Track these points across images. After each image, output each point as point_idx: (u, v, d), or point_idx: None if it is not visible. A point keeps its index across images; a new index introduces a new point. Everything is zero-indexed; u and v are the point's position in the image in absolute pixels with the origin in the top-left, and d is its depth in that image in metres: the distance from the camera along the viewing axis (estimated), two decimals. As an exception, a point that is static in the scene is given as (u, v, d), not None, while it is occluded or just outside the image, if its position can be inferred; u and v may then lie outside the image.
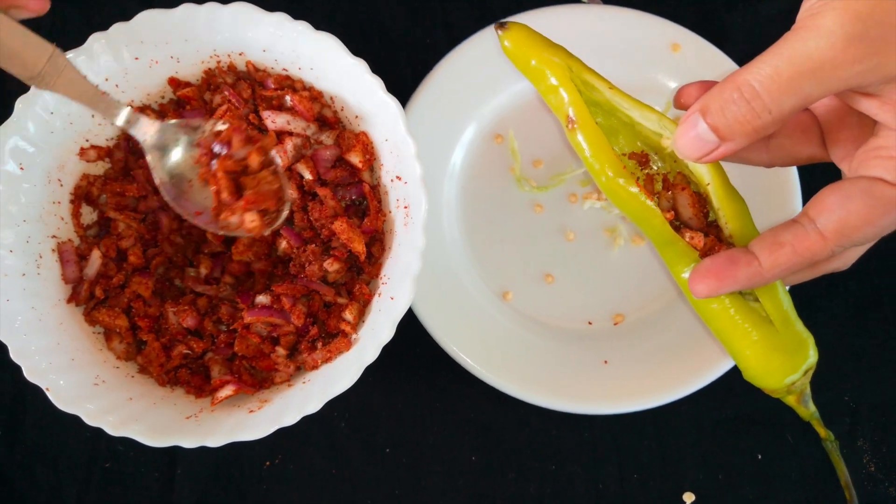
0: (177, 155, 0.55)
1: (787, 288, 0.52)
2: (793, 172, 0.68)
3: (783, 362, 0.49)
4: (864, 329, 0.68)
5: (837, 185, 0.43)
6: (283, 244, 0.59)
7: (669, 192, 0.50)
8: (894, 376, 0.67)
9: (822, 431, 0.54)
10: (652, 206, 0.48)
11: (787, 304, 0.49)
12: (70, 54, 0.57)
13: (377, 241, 0.60)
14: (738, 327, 0.48)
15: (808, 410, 0.52)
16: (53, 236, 0.59)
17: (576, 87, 0.49)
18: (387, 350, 0.53)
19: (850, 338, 0.68)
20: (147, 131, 0.54)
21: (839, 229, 0.42)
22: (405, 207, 0.57)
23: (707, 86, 0.48)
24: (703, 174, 0.49)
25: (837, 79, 0.38)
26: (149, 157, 0.55)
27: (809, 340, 0.49)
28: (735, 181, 0.50)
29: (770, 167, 0.52)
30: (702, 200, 0.50)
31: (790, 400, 0.52)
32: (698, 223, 0.49)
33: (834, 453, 0.55)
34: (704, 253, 0.48)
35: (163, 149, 0.55)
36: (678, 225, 0.50)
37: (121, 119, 0.53)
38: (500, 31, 0.51)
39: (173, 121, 0.55)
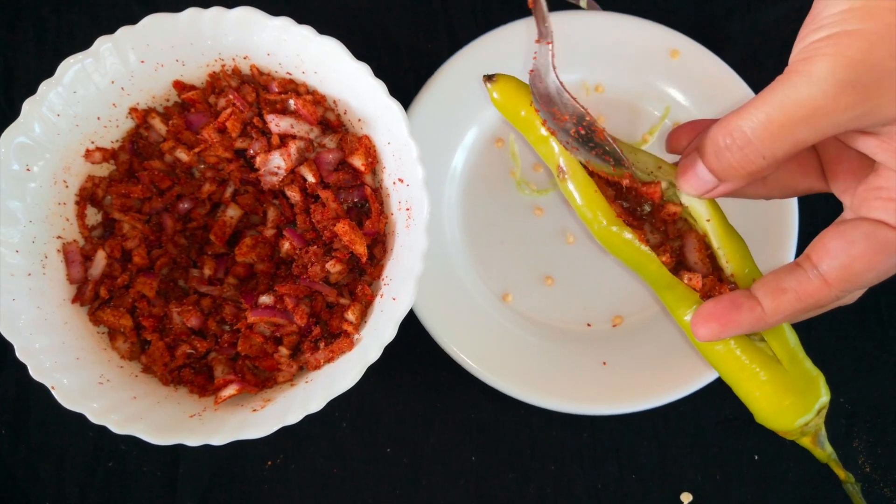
0: None
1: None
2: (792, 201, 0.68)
3: (794, 402, 0.48)
4: (861, 331, 0.69)
5: (839, 230, 0.43)
6: (286, 245, 0.60)
7: (669, 236, 0.50)
8: (891, 378, 0.68)
9: (841, 474, 0.52)
10: (647, 252, 0.48)
11: (793, 341, 0.48)
12: (77, 56, 0.57)
13: (379, 243, 0.61)
14: (746, 368, 0.48)
15: (824, 452, 0.51)
16: (59, 237, 0.60)
17: None
18: (388, 351, 0.53)
19: (847, 340, 0.69)
20: None
21: (843, 276, 0.42)
22: (407, 210, 0.58)
23: (697, 127, 0.48)
24: (702, 212, 0.49)
25: (830, 125, 0.38)
26: None
27: (820, 378, 0.49)
28: (733, 206, 0.51)
29: (769, 199, 0.51)
30: (706, 243, 0.50)
31: (805, 442, 0.51)
32: (704, 267, 0.49)
33: (856, 496, 0.53)
34: (705, 294, 0.48)
35: None
36: (675, 268, 0.49)
37: None
38: (488, 84, 0.52)
39: None
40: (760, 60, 0.75)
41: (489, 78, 0.52)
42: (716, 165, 0.41)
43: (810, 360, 0.49)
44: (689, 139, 0.48)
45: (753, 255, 0.50)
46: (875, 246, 0.41)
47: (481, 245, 0.70)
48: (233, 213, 0.62)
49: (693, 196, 0.45)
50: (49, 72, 0.57)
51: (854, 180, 0.45)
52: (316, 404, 0.52)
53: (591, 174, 0.49)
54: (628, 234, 0.48)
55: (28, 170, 0.57)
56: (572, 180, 0.49)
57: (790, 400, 0.48)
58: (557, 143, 0.49)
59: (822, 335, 0.69)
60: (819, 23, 0.38)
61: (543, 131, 0.50)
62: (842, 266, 0.42)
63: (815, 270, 0.43)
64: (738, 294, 0.45)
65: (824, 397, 0.49)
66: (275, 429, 0.52)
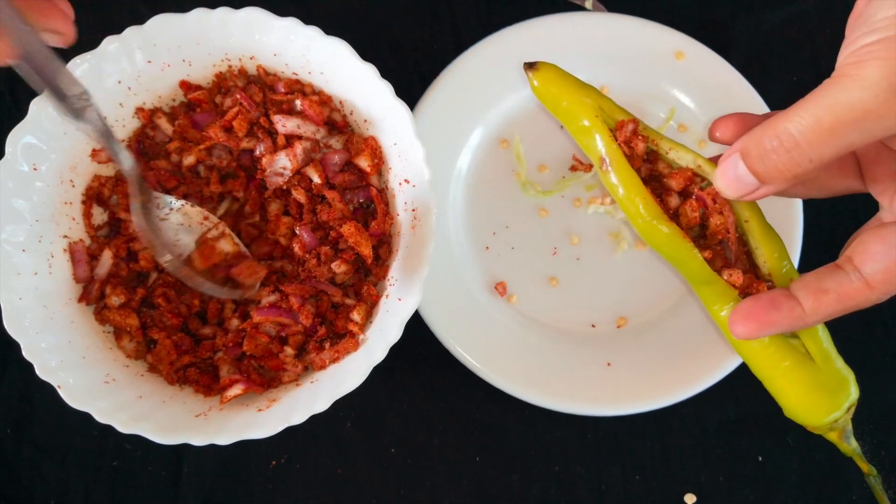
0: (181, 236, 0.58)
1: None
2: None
3: (825, 400, 0.48)
4: (865, 333, 0.69)
5: (881, 233, 0.43)
6: (297, 247, 0.60)
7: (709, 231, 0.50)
8: (895, 380, 0.68)
9: (864, 467, 0.53)
10: (689, 247, 0.48)
11: (826, 341, 0.48)
12: (84, 56, 0.58)
13: (385, 244, 0.61)
14: (779, 366, 0.48)
15: (849, 447, 0.52)
16: (65, 236, 0.60)
17: (607, 129, 0.49)
18: (393, 351, 0.53)
19: (851, 342, 0.68)
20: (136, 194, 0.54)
21: (886, 279, 0.42)
22: (413, 210, 0.58)
23: (744, 120, 0.47)
24: (741, 211, 0.49)
25: (881, 129, 0.37)
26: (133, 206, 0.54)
27: (850, 377, 0.49)
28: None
29: (805, 198, 0.51)
30: (744, 241, 0.49)
31: (832, 436, 0.51)
32: (742, 265, 0.49)
33: (877, 488, 0.53)
34: (742, 291, 0.48)
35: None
36: (715, 264, 0.49)
37: (126, 164, 0.53)
38: (529, 72, 0.51)
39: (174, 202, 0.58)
40: (765, 62, 0.75)
41: (530, 66, 0.51)
42: (760, 168, 0.41)
43: (842, 360, 0.49)
44: (735, 132, 0.47)
45: None
46: None
47: (486, 246, 0.70)
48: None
49: (731, 198, 0.44)
50: (55, 72, 0.57)
51: (892, 182, 0.45)
52: (321, 404, 0.52)
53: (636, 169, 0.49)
54: (669, 229, 0.48)
55: (35, 169, 0.57)
56: (615, 172, 0.48)
57: (822, 397, 0.48)
58: (600, 133, 0.49)
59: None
60: (871, 26, 0.38)
61: (585, 122, 0.49)
62: (885, 269, 0.42)
63: (857, 273, 0.43)
64: (778, 293, 0.45)
65: (854, 395, 0.49)
66: (280, 429, 0.52)
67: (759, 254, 0.49)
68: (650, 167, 0.51)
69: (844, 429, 0.51)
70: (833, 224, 0.71)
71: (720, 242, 0.50)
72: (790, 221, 0.67)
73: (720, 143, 0.49)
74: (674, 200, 0.50)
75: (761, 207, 0.56)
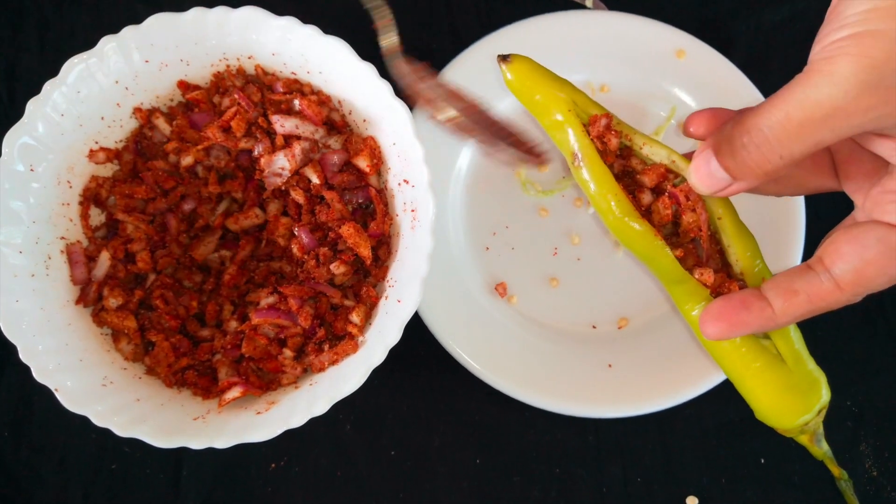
0: None
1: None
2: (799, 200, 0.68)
3: (796, 402, 0.48)
4: (868, 334, 0.69)
5: (852, 233, 0.42)
6: (295, 248, 0.60)
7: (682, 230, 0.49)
8: (897, 381, 0.68)
9: (835, 471, 0.53)
10: (660, 245, 0.47)
11: (798, 342, 0.48)
12: (81, 56, 0.57)
13: (384, 245, 0.61)
14: (750, 367, 0.48)
15: (820, 450, 0.52)
16: (62, 237, 0.59)
17: (581, 123, 0.48)
18: (392, 353, 0.53)
19: (853, 342, 0.68)
20: None
21: (856, 280, 0.41)
22: (412, 211, 0.58)
23: (716, 115, 0.47)
24: (714, 209, 0.48)
25: (850, 126, 0.37)
26: None
27: (822, 379, 0.48)
28: (740, 205, 0.50)
29: (779, 196, 0.51)
30: (716, 239, 0.49)
31: (803, 439, 0.51)
32: (715, 263, 0.49)
33: (848, 492, 0.53)
34: (714, 290, 0.47)
35: None
36: (685, 262, 0.49)
37: None
38: (503, 65, 0.51)
39: None
40: (766, 60, 0.75)
41: (504, 58, 0.50)
42: (731, 164, 0.41)
43: (813, 361, 0.49)
44: (708, 128, 0.47)
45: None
46: (888, 251, 0.41)
47: (485, 246, 0.70)
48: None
49: (704, 194, 0.44)
50: (52, 72, 0.57)
51: (867, 181, 0.45)
52: (320, 407, 0.52)
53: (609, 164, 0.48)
54: (641, 227, 0.47)
55: (32, 170, 0.57)
56: (587, 168, 0.47)
57: (792, 399, 0.48)
58: (573, 128, 0.48)
59: (828, 337, 0.68)
60: (841, 21, 0.37)
61: (558, 116, 0.49)
62: (855, 270, 0.41)
63: (827, 274, 0.42)
64: (748, 294, 0.45)
65: (825, 398, 0.49)
66: (279, 432, 0.52)
67: (731, 252, 0.48)
68: (623, 163, 0.50)
69: (815, 431, 0.51)
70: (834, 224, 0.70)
71: (692, 241, 0.49)
72: (791, 222, 0.67)
73: (694, 139, 0.49)
74: (646, 197, 0.49)
75: (758, 208, 0.55)
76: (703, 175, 0.42)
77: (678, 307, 0.50)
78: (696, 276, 0.48)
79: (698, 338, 0.50)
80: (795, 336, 0.48)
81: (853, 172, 0.46)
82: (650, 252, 0.48)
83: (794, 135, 0.38)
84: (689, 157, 0.48)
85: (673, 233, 0.50)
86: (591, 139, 0.48)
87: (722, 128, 0.42)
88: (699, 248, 0.49)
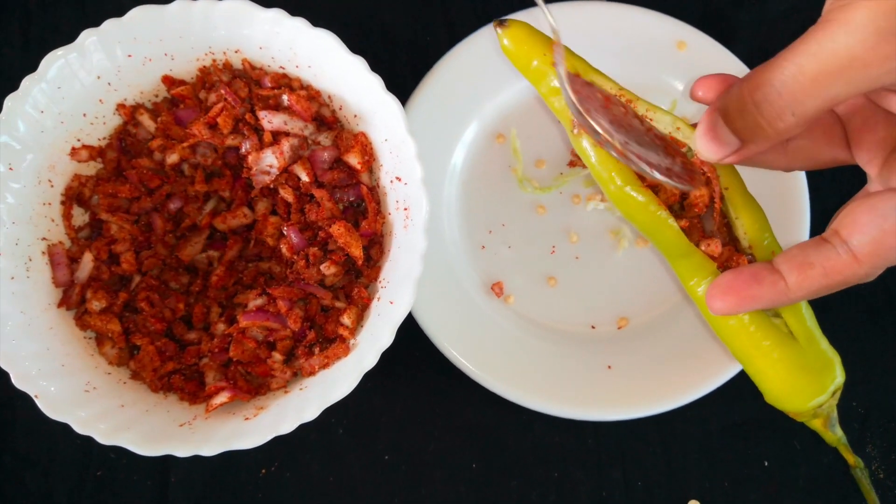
0: None
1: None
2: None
3: (809, 383, 0.46)
4: (875, 334, 0.67)
5: (870, 203, 0.40)
6: (284, 248, 0.58)
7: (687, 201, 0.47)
8: (905, 381, 0.66)
9: (850, 458, 0.50)
10: (664, 216, 0.45)
11: (810, 320, 0.46)
12: (61, 51, 0.55)
13: (376, 244, 0.59)
14: (759, 345, 0.45)
15: (834, 435, 0.49)
16: (44, 238, 0.58)
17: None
18: (385, 355, 0.52)
19: (860, 342, 0.67)
20: None
21: (874, 251, 0.39)
22: (405, 209, 0.56)
23: (726, 79, 0.45)
24: (720, 180, 0.46)
25: (867, 78, 0.35)
26: None
27: (836, 359, 0.46)
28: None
29: (789, 171, 0.49)
30: (723, 212, 0.47)
31: (816, 424, 0.49)
32: (722, 237, 0.47)
33: (863, 481, 0.51)
34: (722, 265, 0.45)
35: None
36: (691, 235, 0.47)
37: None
38: (499, 29, 0.49)
39: None
40: (769, 52, 0.71)
41: (500, 23, 0.49)
42: (740, 124, 0.38)
43: (826, 340, 0.47)
44: (717, 91, 0.44)
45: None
46: None
47: (481, 245, 0.68)
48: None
49: (711, 160, 0.41)
50: (34, 66, 0.55)
51: (881, 150, 0.43)
52: (311, 413, 0.51)
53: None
54: (644, 197, 0.45)
55: (11, 169, 0.55)
56: (588, 136, 0.46)
57: (805, 380, 0.46)
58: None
59: (834, 336, 0.66)
60: None
61: (556, 83, 0.46)
62: (873, 241, 0.39)
63: (844, 246, 0.40)
64: (760, 267, 0.42)
65: (839, 378, 0.46)
66: (268, 438, 0.50)
67: (738, 224, 0.46)
68: None
69: (829, 415, 0.48)
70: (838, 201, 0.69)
71: (699, 217, 0.47)
72: (795, 198, 0.66)
73: (702, 103, 0.46)
74: None
75: (758, 185, 0.53)
76: (710, 139, 0.40)
77: (683, 284, 0.48)
78: (703, 249, 0.46)
79: (703, 315, 0.48)
80: (808, 314, 0.46)
81: (866, 141, 0.44)
82: (653, 224, 0.46)
83: (808, 89, 0.35)
84: (696, 126, 0.46)
85: (679, 207, 0.48)
86: None
87: (729, 88, 0.39)
88: (707, 221, 0.47)
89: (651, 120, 0.48)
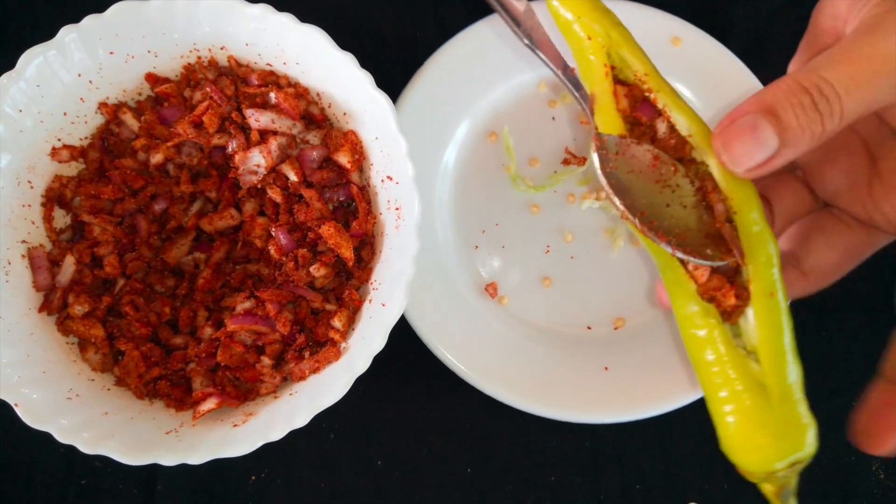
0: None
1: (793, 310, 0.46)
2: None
3: (768, 444, 0.41)
4: (874, 333, 0.67)
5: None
6: (273, 250, 0.57)
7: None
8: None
9: None
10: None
11: (794, 376, 0.42)
12: (40, 48, 0.54)
13: (367, 245, 0.58)
14: (729, 385, 0.42)
15: None
16: (24, 241, 0.56)
17: (605, 64, 0.48)
18: (378, 358, 0.50)
19: (859, 342, 0.66)
20: None
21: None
22: (397, 209, 0.55)
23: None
24: (730, 204, 0.44)
25: None
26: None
27: (810, 427, 0.42)
28: None
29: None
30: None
31: (766, 489, 0.44)
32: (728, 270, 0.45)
33: None
34: (706, 291, 0.44)
35: None
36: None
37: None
38: None
39: None
40: (765, 47, 0.72)
41: None
42: (793, 122, 0.36)
43: (807, 405, 0.42)
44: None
45: None
46: None
47: (475, 245, 0.67)
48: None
49: (740, 168, 0.38)
50: (12, 64, 0.54)
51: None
52: (301, 419, 0.50)
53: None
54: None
55: (-11, 170, 0.54)
56: (599, 112, 0.47)
57: (764, 440, 0.42)
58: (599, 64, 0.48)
59: (834, 337, 0.66)
60: None
61: (592, 58, 0.49)
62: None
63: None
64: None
65: (806, 450, 0.42)
66: (257, 445, 0.49)
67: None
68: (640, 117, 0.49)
69: (785, 486, 0.43)
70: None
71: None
72: None
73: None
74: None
75: None
76: (748, 140, 0.37)
77: (670, 297, 0.47)
78: (690, 269, 0.45)
79: (682, 335, 0.47)
80: (793, 370, 0.42)
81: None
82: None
83: (862, 87, 0.35)
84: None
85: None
86: (614, 85, 0.47)
87: (769, 87, 0.38)
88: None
89: (665, 106, 0.47)
